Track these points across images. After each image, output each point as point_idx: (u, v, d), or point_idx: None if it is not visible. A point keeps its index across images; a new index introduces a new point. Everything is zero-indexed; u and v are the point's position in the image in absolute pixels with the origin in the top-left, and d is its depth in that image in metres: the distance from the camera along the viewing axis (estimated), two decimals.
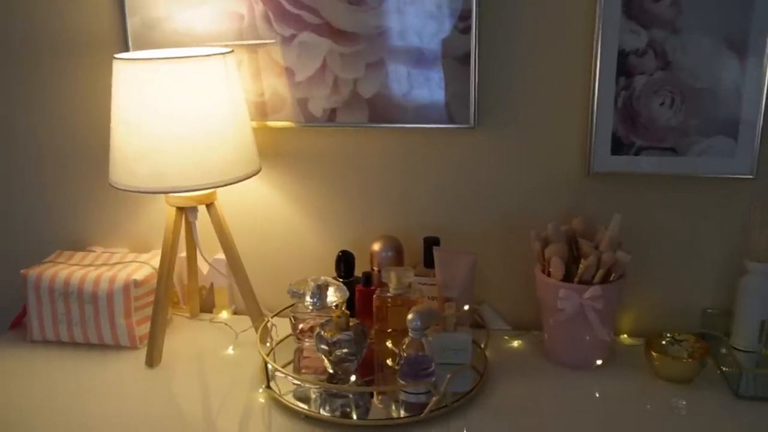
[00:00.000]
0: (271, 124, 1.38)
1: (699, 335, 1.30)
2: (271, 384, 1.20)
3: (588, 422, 1.11)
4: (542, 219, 1.27)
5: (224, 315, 1.49)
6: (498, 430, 1.09)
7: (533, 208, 1.34)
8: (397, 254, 1.34)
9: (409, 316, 1.14)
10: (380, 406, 1.16)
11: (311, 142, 1.39)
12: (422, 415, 1.10)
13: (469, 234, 1.37)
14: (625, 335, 1.35)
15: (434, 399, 1.10)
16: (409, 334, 1.14)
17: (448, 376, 1.11)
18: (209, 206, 1.32)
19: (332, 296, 1.26)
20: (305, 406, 1.14)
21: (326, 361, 1.19)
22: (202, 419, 1.15)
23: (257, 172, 1.29)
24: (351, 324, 1.19)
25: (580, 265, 1.18)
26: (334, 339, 1.17)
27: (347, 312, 1.19)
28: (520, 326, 1.39)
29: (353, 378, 1.18)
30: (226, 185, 1.22)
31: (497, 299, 1.40)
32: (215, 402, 1.21)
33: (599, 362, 1.24)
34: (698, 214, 1.30)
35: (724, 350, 1.23)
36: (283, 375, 1.20)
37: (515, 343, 1.34)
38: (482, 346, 1.27)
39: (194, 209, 1.31)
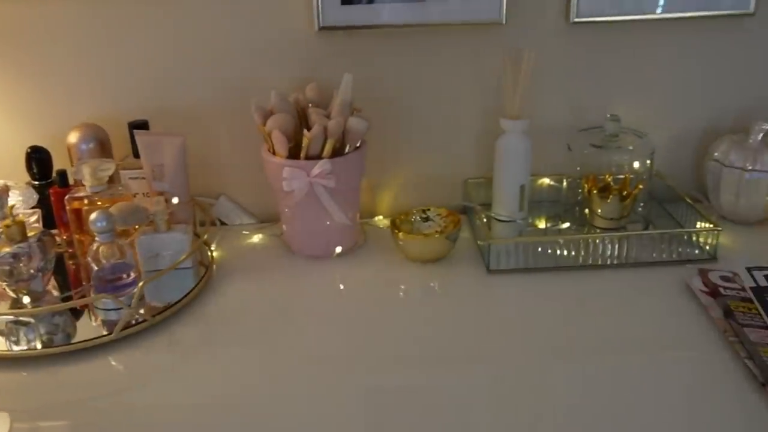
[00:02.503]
0: None
1: (462, 208, 1.17)
2: None
3: (328, 317, 0.94)
4: (271, 89, 1.06)
5: None
6: (212, 340, 0.90)
7: (260, 76, 1.12)
8: (100, 146, 1.09)
9: (91, 217, 0.91)
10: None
11: None
12: (112, 334, 0.89)
13: (188, 113, 1.14)
14: (381, 216, 1.19)
15: (126, 313, 0.89)
16: (96, 238, 0.92)
17: (140, 284, 0.90)
18: None
19: (17, 202, 1.01)
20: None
21: (2, 283, 0.95)
22: None
23: None
24: (30, 234, 0.95)
25: (304, 138, 0.99)
26: (1, 254, 0.93)
27: (21, 219, 0.95)
28: (267, 218, 1.20)
29: (26, 300, 0.95)
30: None
31: (237, 189, 1.20)
32: None
33: (339, 249, 1.07)
34: (450, 69, 1.14)
35: (479, 221, 1.09)
36: None
37: (255, 238, 1.15)
38: (209, 245, 1.07)
39: None
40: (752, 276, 0.95)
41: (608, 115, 1.10)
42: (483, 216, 1.11)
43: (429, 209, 1.09)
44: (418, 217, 1.09)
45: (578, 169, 1.11)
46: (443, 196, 1.19)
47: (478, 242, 1.08)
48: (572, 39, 1.12)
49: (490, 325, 0.91)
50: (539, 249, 1.04)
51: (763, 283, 0.93)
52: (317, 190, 1.00)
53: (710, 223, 1.03)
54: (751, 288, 0.92)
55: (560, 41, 1.12)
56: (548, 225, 1.14)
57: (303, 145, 0.99)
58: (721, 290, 0.92)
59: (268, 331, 0.91)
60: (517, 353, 0.85)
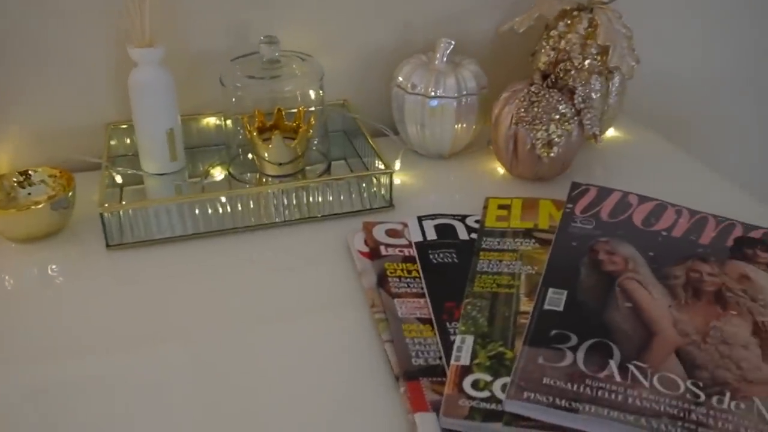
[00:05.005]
0: None
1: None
2: None
3: None
4: None
5: None
6: None
7: None
8: None
9: None
10: None
11: None
12: None
13: None
14: None
15: None
16: None
17: None
18: None
19: None
20: None
21: None
22: None
23: None
24: None
25: None
26: None
27: None
28: None
29: None
30: None
31: None
32: None
33: None
34: None
35: (105, 180, 0.86)
36: None
37: None
38: None
39: None
40: (421, 227, 0.80)
41: (262, 38, 0.89)
42: (113, 172, 0.88)
43: (36, 170, 0.84)
44: (16, 183, 0.83)
45: (233, 101, 0.90)
46: (84, 148, 0.94)
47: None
48: None
49: (122, 310, 0.72)
50: (173, 211, 0.82)
51: (431, 235, 0.78)
52: None
53: (383, 163, 0.87)
54: (417, 243, 0.77)
55: None
56: (207, 177, 0.93)
57: None
58: (382, 249, 0.76)
59: None
60: (149, 339, 0.65)
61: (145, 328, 0.69)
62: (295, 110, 0.92)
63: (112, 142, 0.95)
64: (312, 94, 0.92)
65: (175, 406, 0.60)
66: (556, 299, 0.65)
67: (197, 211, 0.82)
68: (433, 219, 0.81)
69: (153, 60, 0.86)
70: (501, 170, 0.96)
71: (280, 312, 0.70)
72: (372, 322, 0.68)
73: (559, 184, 0.92)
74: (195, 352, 0.66)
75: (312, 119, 0.90)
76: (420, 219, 0.81)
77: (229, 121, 0.93)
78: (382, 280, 0.72)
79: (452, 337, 0.63)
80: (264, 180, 0.91)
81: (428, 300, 0.68)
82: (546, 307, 0.64)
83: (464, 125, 0.94)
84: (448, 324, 0.65)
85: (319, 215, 0.85)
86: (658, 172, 0.97)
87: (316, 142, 0.94)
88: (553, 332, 0.61)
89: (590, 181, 0.89)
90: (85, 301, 0.73)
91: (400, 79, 0.95)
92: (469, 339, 0.62)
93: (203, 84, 0.95)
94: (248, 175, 0.92)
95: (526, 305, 0.66)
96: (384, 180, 0.86)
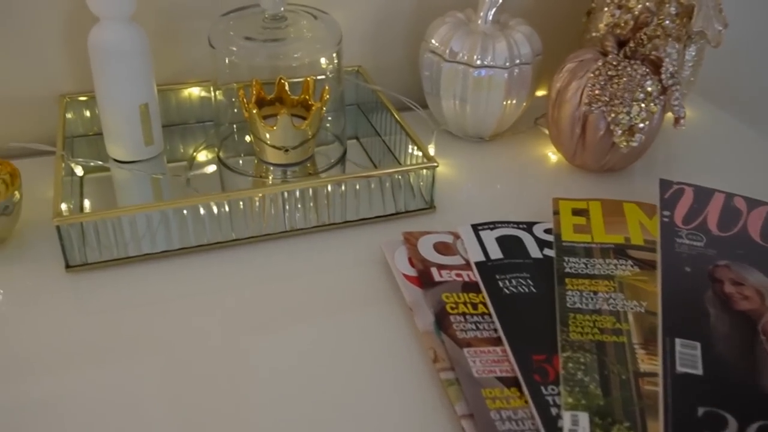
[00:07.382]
0: None
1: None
2: None
3: None
4: None
5: None
6: None
7: None
8: None
9: None
10: None
11: None
12: None
13: None
14: None
15: None
16: None
17: None
18: None
19: None
20: None
21: None
22: None
23: None
24: None
25: None
26: None
27: None
28: None
29: None
30: None
31: None
32: None
33: None
34: None
35: (57, 173, 0.66)
36: None
37: None
38: None
39: None
40: (479, 239, 0.62)
41: None
42: (71, 164, 0.67)
43: None
44: None
45: (227, 72, 0.70)
46: (32, 127, 0.74)
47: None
48: None
49: (91, 349, 0.51)
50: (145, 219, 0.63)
51: (494, 252, 0.60)
52: None
53: (422, 151, 0.68)
54: (478, 264, 0.59)
55: None
56: (191, 169, 0.73)
57: None
58: (435, 273, 0.58)
59: None
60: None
61: (116, 368, 0.50)
62: (300, 80, 0.72)
63: (68, 115, 0.74)
64: (323, 61, 0.72)
65: None
66: (689, 357, 0.48)
67: (186, 212, 0.62)
68: (492, 228, 0.63)
69: (121, 14, 0.65)
70: (554, 157, 0.78)
71: (303, 369, 0.52)
72: (438, 384, 0.50)
73: (628, 177, 0.75)
74: (175, 405, 0.47)
75: (325, 93, 0.71)
76: (476, 228, 0.63)
77: (219, 93, 0.72)
78: (442, 320, 0.54)
79: (552, 410, 0.46)
80: (265, 169, 0.72)
81: (509, 350, 0.51)
82: (679, 369, 0.47)
83: (514, 101, 0.76)
84: (543, 388, 0.48)
85: (341, 221, 0.66)
86: (739, 162, 0.81)
87: (329, 119, 0.75)
88: (701, 411, 0.44)
89: (657, 174, 0.72)
90: (42, 337, 0.53)
91: (435, 42, 0.76)
92: (583, 417, 0.45)
93: (186, 45, 0.75)
94: (241, 158, 0.73)
95: (647, 363, 0.49)
96: (426, 175, 0.68)
